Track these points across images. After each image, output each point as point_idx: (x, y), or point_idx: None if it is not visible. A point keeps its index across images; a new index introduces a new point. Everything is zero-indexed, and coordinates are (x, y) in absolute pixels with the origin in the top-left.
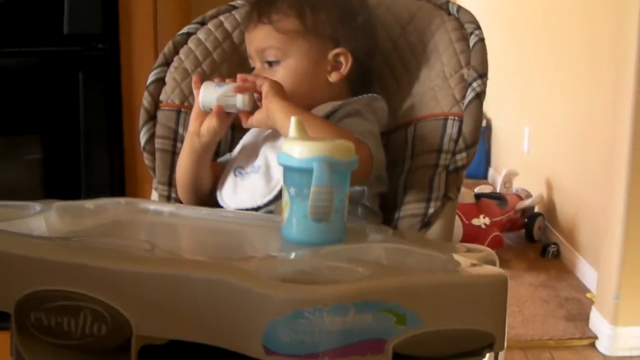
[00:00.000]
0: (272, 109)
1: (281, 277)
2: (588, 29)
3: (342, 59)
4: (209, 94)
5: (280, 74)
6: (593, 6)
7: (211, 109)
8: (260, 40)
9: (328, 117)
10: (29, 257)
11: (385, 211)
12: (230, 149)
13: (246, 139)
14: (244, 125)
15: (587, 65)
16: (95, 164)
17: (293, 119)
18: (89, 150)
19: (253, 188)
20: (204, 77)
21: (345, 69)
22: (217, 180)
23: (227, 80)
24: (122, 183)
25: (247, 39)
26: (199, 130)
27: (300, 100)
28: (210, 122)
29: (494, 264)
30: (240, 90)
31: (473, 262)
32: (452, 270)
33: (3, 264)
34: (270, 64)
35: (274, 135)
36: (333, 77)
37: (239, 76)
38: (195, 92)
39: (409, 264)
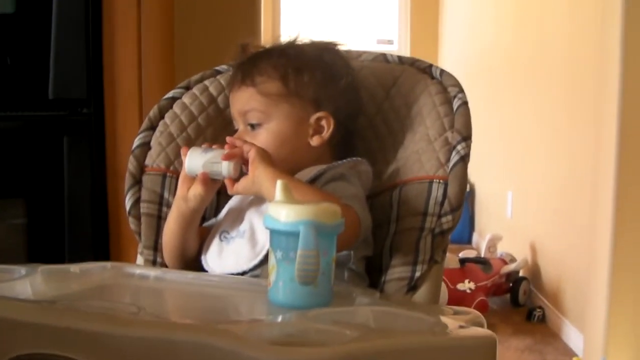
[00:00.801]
0: (258, 175)
1: (269, 340)
2: (570, 93)
3: (324, 122)
4: (194, 160)
5: (262, 136)
6: (575, 71)
7: (195, 174)
8: (243, 102)
9: (313, 181)
10: (14, 320)
11: (371, 274)
12: (216, 214)
13: (232, 202)
14: (229, 192)
15: (568, 129)
16: (79, 228)
17: (279, 182)
18: (74, 214)
19: (238, 253)
20: (189, 142)
21: (327, 133)
22: (203, 245)
23: (214, 146)
24: (107, 247)
25: (230, 100)
26: (186, 195)
27: (281, 163)
28: (196, 189)
29: (481, 326)
30: (227, 158)
31: (461, 324)
32: (440, 332)
33: None
34: (252, 126)
35: (260, 199)
36: (315, 141)
37: (228, 140)
38: (183, 157)
39: (396, 327)
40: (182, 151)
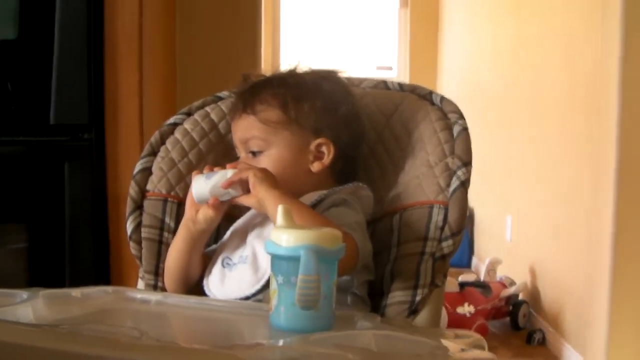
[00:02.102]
0: (263, 197)
1: None
2: (567, 118)
3: (324, 148)
4: (201, 188)
5: (264, 163)
6: (572, 96)
7: (206, 201)
8: (244, 130)
9: (314, 206)
10: (16, 344)
11: (373, 298)
12: (216, 241)
13: (236, 225)
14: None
15: (567, 153)
16: (80, 253)
17: (280, 208)
18: (74, 239)
19: (241, 278)
20: (191, 167)
21: (327, 158)
22: (204, 270)
23: (215, 169)
24: (107, 272)
25: (232, 128)
26: (195, 218)
27: (283, 189)
28: (207, 212)
29: (483, 349)
30: (227, 185)
31: (462, 348)
32: (441, 356)
33: None
34: (254, 153)
35: (262, 224)
36: (315, 167)
37: (229, 167)
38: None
39: (398, 350)
40: (193, 174)
